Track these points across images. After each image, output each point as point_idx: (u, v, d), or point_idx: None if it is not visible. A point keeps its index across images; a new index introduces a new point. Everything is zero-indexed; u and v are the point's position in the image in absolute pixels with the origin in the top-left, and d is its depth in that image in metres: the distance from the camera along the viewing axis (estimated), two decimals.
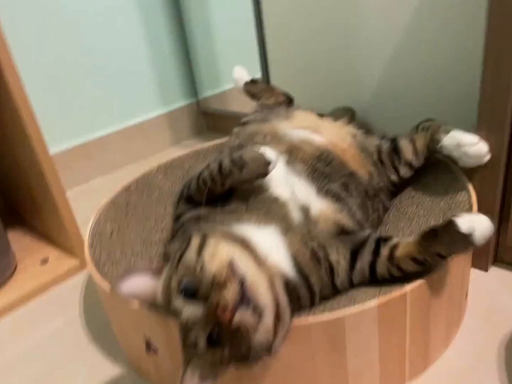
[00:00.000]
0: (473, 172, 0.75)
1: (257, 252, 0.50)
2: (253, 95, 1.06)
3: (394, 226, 0.75)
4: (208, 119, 1.63)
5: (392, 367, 0.60)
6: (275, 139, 0.70)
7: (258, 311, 0.45)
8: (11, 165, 1.01)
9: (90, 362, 0.73)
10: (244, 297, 0.44)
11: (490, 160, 0.71)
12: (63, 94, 1.30)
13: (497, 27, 0.63)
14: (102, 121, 1.40)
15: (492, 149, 0.70)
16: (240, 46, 1.39)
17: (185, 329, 0.46)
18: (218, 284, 0.44)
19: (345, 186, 0.67)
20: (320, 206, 0.61)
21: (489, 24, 0.63)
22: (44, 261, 0.98)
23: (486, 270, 0.81)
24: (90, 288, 0.91)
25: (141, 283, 0.51)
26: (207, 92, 1.56)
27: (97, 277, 0.65)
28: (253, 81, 1.07)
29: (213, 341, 0.45)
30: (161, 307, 0.50)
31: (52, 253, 1.00)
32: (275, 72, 1.27)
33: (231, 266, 0.46)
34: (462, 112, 0.95)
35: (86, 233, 0.78)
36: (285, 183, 0.62)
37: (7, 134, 0.93)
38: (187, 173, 1.00)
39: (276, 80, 1.28)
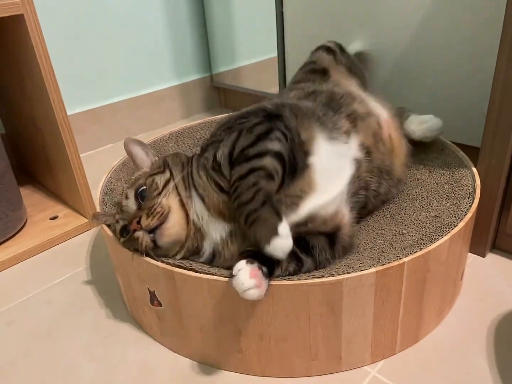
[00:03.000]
0: (479, 159, 0.76)
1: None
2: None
3: (397, 205, 0.77)
4: (221, 94, 1.64)
5: (384, 336, 0.62)
6: (366, 113, 0.72)
7: (155, 241, 0.60)
8: (27, 123, 1.03)
9: (94, 314, 0.76)
10: (155, 231, 0.59)
11: (497, 148, 0.73)
12: (79, 58, 1.31)
13: None
14: (114, 88, 1.42)
15: (500, 137, 0.72)
16: (258, 22, 1.39)
17: (119, 208, 0.65)
18: (152, 209, 0.59)
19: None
20: None
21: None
22: (54, 218, 1.01)
23: (483, 256, 0.83)
24: (97, 245, 0.94)
25: (142, 153, 0.69)
26: (221, 67, 1.57)
27: (106, 229, 0.68)
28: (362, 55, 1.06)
29: (124, 233, 0.63)
30: (130, 178, 0.69)
31: (62, 211, 1.03)
32: (291, 51, 1.28)
33: (167, 210, 0.59)
34: (474, 98, 0.95)
35: (95, 193, 0.81)
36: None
37: (27, 91, 0.94)
38: (198, 142, 1.02)
39: (291, 59, 1.28)
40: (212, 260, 0.62)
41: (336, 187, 0.63)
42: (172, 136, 1.01)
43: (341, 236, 0.63)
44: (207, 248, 0.62)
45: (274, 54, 1.31)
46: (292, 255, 0.57)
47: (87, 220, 0.99)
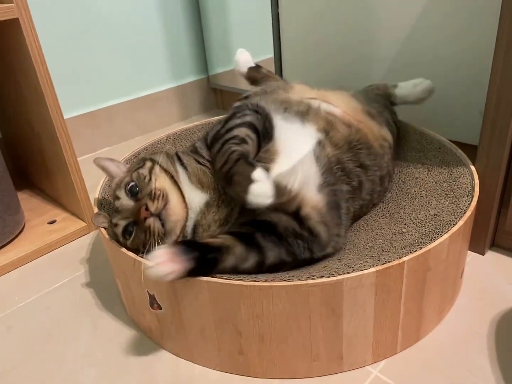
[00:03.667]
0: (477, 157, 0.76)
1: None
2: (253, 81, 1.07)
3: (396, 204, 0.77)
4: (218, 95, 1.64)
5: (385, 335, 0.62)
6: (307, 110, 0.75)
7: (165, 226, 0.61)
8: (24, 127, 1.03)
9: (93, 318, 0.76)
10: (162, 214, 0.61)
11: (495, 146, 0.73)
12: (75, 61, 1.31)
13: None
14: (111, 91, 1.42)
15: (498, 135, 0.72)
16: (254, 24, 1.39)
17: (114, 211, 0.65)
18: (153, 195, 0.60)
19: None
20: None
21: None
22: (52, 222, 1.01)
23: (483, 253, 0.83)
24: (96, 249, 0.94)
25: (113, 166, 0.70)
26: (217, 68, 1.57)
27: (105, 233, 0.67)
28: (258, 67, 1.08)
29: (127, 231, 0.63)
30: (111, 187, 0.69)
31: (60, 215, 1.03)
32: (287, 51, 1.28)
33: (165, 190, 0.62)
34: (471, 96, 0.96)
35: (93, 197, 0.80)
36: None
37: (23, 95, 0.94)
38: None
39: (288, 59, 1.28)
40: (194, 235, 0.64)
41: (300, 150, 0.66)
42: (170, 138, 1.01)
43: (306, 214, 0.61)
44: (189, 224, 0.64)
45: (271, 54, 1.31)
46: (251, 242, 0.58)
47: (85, 224, 0.99)
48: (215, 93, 1.64)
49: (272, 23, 1.26)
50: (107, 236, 0.67)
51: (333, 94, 0.83)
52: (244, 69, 1.07)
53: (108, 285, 0.82)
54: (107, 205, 0.78)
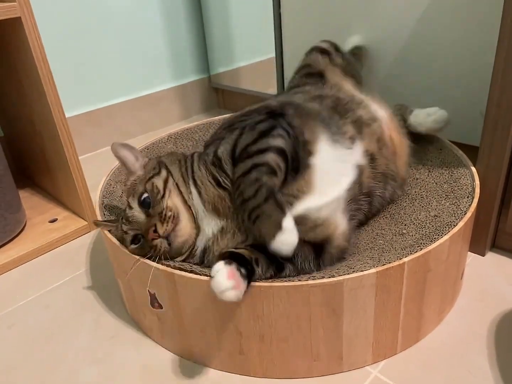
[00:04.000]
0: (478, 158, 0.76)
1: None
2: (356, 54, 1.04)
3: (396, 205, 0.77)
4: (219, 95, 1.64)
5: (385, 336, 0.62)
6: (370, 119, 0.71)
7: (171, 245, 0.60)
8: (26, 126, 1.03)
9: (94, 316, 0.76)
10: (170, 235, 0.59)
11: (496, 147, 0.73)
12: (77, 60, 1.31)
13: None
14: (113, 90, 1.42)
15: (499, 136, 0.72)
16: (256, 23, 1.39)
17: (125, 219, 0.63)
18: (163, 214, 0.59)
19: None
20: None
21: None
22: (53, 220, 1.01)
23: (483, 255, 0.83)
24: (96, 248, 0.94)
25: (131, 157, 0.67)
26: (219, 68, 1.57)
27: (106, 232, 0.68)
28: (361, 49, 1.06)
29: (135, 240, 0.62)
30: (125, 184, 0.67)
31: (61, 214, 1.03)
32: (289, 51, 1.28)
33: (177, 211, 0.60)
34: (472, 97, 0.96)
35: (94, 196, 0.81)
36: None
37: (25, 94, 0.94)
38: (196, 144, 1.01)
39: (289, 59, 1.28)
40: (203, 257, 0.62)
41: (334, 191, 0.62)
42: (171, 137, 1.01)
43: (330, 249, 0.61)
44: (199, 245, 0.62)
45: (272, 54, 1.31)
46: (274, 258, 0.57)
47: (86, 223, 0.99)
48: (216, 93, 1.64)
49: (274, 23, 1.26)
50: (109, 236, 0.67)
51: (374, 101, 0.78)
52: (349, 45, 1.05)
53: (108, 284, 0.83)
54: (108, 205, 0.78)
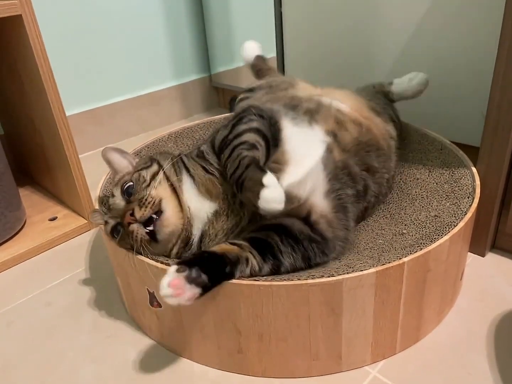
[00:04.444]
0: (479, 158, 0.76)
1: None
2: (259, 71, 1.07)
3: (397, 205, 0.77)
4: (220, 94, 1.64)
5: (384, 336, 0.62)
6: (318, 108, 0.74)
7: (155, 235, 0.59)
8: (26, 124, 1.03)
9: (93, 315, 0.76)
10: (156, 225, 0.59)
11: (497, 147, 0.72)
12: (77, 58, 1.31)
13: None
14: (113, 89, 1.42)
15: (500, 137, 0.72)
16: (257, 23, 1.39)
17: (107, 208, 0.65)
18: (143, 201, 0.59)
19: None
20: None
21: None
22: (53, 219, 1.01)
23: (483, 255, 0.83)
24: (96, 246, 0.94)
25: (120, 160, 0.70)
26: (220, 67, 1.57)
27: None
28: (264, 58, 1.08)
29: (116, 231, 0.62)
30: (113, 180, 0.69)
31: (61, 212, 1.03)
32: (290, 50, 1.28)
33: (158, 199, 0.60)
34: (473, 98, 0.96)
35: (94, 194, 0.81)
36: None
37: (25, 92, 0.94)
38: (197, 143, 1.01)
39: (291, 58, 1.28)
40: (200, 245, 0.63)
41: (308, 161, 0.64)
42: (171, 136, 1.01)
43: (315, 220, 0.61)
44: (196, 234, 0.63)
45: (273, 53, 1.31)
46: (267, 250, 0.57)
47: (86, 221, 0.99)
48: (217, 92, 1.64)
49: (275, 22, 1.26)
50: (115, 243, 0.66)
51: (337, 91, 0.83)
52: (251, 55, 1.08)
53: (108, 283, 0.83)
54: (108, 203, 0.78)
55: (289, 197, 0.59)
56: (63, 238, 0.96)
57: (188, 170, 0.65)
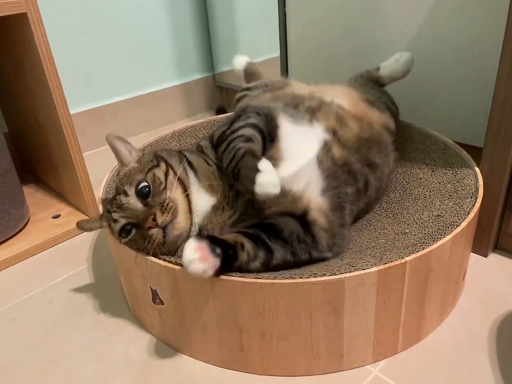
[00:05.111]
0: (482, 158, 0.76)
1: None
2: (251, 74, 1.08)
3: (399, 205, 0.77)
4: (223, 94, 1.64)
5: (386, 335, 0.62)
6: (320, 106, 0.74)
7: (166, 238, 0.60)
8: (30, 122, 1.03)
9: (95, 312, 0.77)
10: (167, 227, 0.59)
11: (500, 147, 0.72)
12: (81, 57, 1.32)
13: None
14: (117, 88, 1.42)
15: (503, 137, 0.71)
16: (260, 23, 1.39)
17: (117, 207, 0.62)
18: (165, 205, 0.59)
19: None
20: None
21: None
22: (56, 216, 1.01)
23: (486, 255, 0.82)
24: (99, 244, 0.95)
25: (125, 150, 0.67)
26: (223, 67, 1.57)
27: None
28: (254, 63, 1.11)
29: (125, 230, 0.61)
30: (118, 175, 0.67)
31: (64, 209, 1.04)
32: (294, 51, 1.28)
33: (177, 203, 0.60)
34: (477, 98, 0.95)
35: (97, 192, 0.81)
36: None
37: (30, 90, 0.95)
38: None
39: (294, 59, 1.28)
40: None
41: (303, 157, 0.65)
42: (175, 135, 1.01)
43: (313, 218, 0.62)
44: (194, 230, 0.63)
45: (277, 53, 1.32)
46: (258, 242, 0.58)
47: (89, 219, 0.99)
48: (220, 91, 1.64)
49: (279, 22, 1.26)
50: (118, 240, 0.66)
51: (331, 88, 0.83)
52: (242, 63, 1.10)
53: (111, 280, 0.83)
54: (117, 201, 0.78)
55: (282, 191, 0.59)
56: (66, 236, 0.96)
57: (191, 164, 0.66)
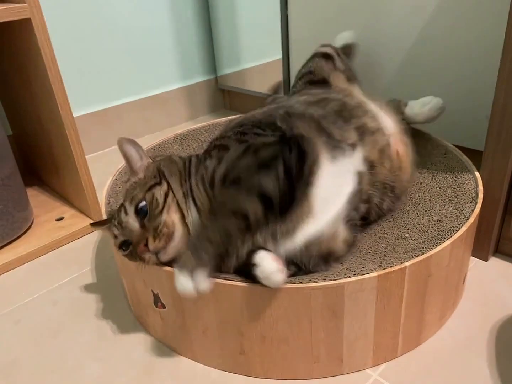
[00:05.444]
0: (482, 163, 0.76)
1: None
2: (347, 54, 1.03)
3: (400, 209, 0.77)
4: (225, 96, 1.65)
5: (386, 339, 0.63)
6: (375, 130, 0.70)
7: (159, 258, 0.59)
8: (34, 125, 1.04)
9: (98, 314, 0.77)
10: (161, 251, 0.58)
11: (500, 152, 0.73)
12: (85, 60, 1.32)
13: None
14: (120, 90, 1.43)
15: (504, 141, 0.72)
16: (262, 26, 1.40)
17: (118, 222, 0.61)
18: (158, 230, 0.58)
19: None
20: None
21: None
22: (60, 219, 1.02)
23: (486, 260, 0.83)
24: (102, 247, 0.95)
25: (136, 155, 0.65)
26: (226, 69, 1.58)
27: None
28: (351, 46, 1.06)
29: (124, 246, 0.61)
30: (126, 183, 0.66)
31: (68, 212, 1.04)
32: (296, 53, 1.28)
33: (173, 229, 0.59)
34: (477, 102, 0.96)
35: (100, 195, 0.82)
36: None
37: (34, 94, 0.96)
38: (202, 145, 1.02)
39: (296, 61, 1.29)
40: None
41: (335, 207, 0.62)
42: (177, 138, 1.02)
43: (333, 251, 0.63)
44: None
45: (279, 56, 1.32)
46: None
47: (92, 221, 1.00)
48: (223, 94, 1.65)
49: (281, 24, 1.27)
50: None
51: (382, 108, 0.77)
52: (345, 38, 1.05)
53: (113, 283, 0.84)
54: (114, 204, 0.79)
55: (310, 244, 0.60)
56: (69, 238, 0.97)
57: (194, 200, 0.62)
